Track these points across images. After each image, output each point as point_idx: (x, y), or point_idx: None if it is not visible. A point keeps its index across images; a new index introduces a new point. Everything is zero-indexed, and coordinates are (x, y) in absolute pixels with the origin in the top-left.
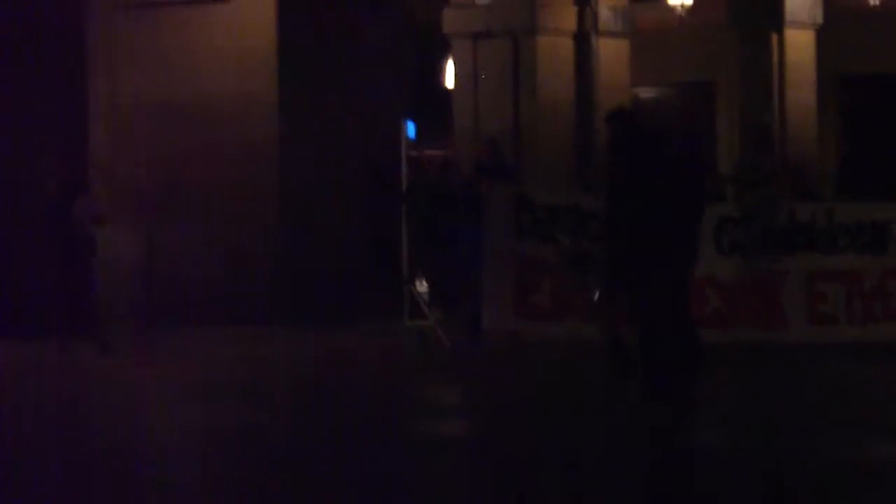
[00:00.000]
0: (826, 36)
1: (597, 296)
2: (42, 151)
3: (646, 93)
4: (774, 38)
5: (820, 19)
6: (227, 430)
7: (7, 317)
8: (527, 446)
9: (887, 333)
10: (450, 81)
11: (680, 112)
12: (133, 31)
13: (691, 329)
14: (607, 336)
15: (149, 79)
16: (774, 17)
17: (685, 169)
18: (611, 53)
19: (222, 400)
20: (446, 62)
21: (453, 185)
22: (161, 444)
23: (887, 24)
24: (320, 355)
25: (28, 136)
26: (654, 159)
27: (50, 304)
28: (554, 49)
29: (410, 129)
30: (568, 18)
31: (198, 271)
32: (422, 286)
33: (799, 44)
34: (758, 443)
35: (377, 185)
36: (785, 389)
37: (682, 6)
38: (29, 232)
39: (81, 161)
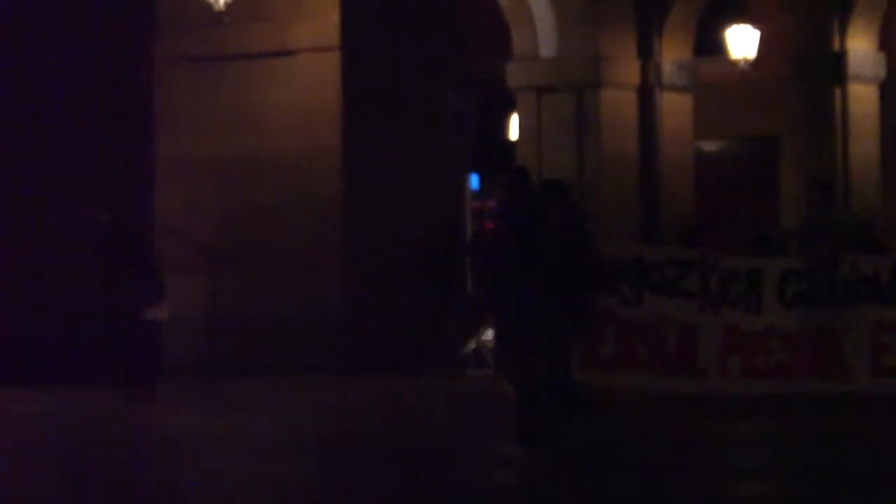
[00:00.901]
0: (889, 90)
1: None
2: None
3: (709, 146)
4: (838, 92)
5: (883, 74)
6: (287, 480)
7: (60, 365)
8: (590, 495)
9: None
10: (514, 134)
11: (744, 165)
12: (198, 86)
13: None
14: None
15: (214, 133)
16: (838, 71)
17: (567, 237)
18: (674, 107)
19: (285, 450)
20: (510, 116)
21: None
22: (221, 491)
23: None
24: (386, 405)
25: (94, 193)
26: (536, 225)
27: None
28: (617, 102)
29: (474, 181)
30: (632, 72)
31: (265, 324)
32: (486, 336)
33: (862, 97)
34: (811, 490)
35: (442, 237)
36: (843, 439)
37: (745, 60)
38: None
39: (149, 217)
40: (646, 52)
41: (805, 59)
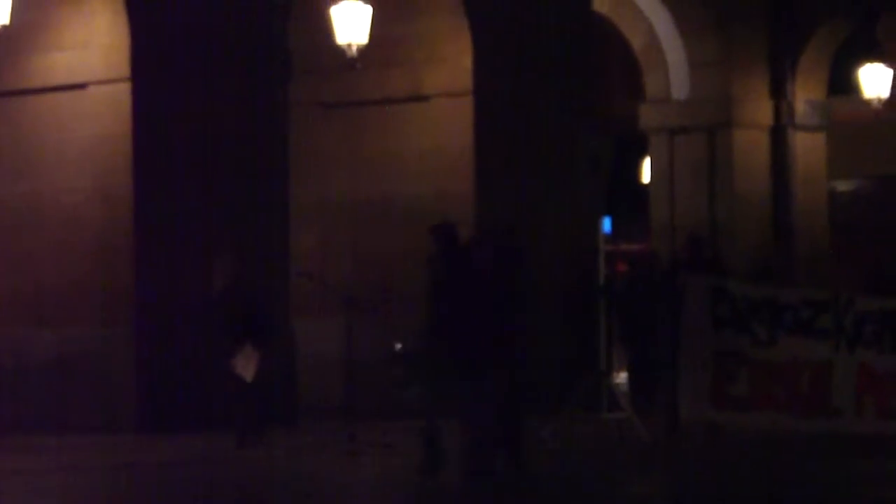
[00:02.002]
0: None
1: (416, 393)
2: (243, 253)
3: (843, 186)
4: None
5: None
6: None
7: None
8: None
9: None
10: (646, 176)
11: (877, 205)
12: (332, 132)
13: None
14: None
15: (348, 178)
16: None
17: (496, 270)
18: (807, 146)
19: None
20: (643, 158)
21: (650, 278)
22: None
23: None
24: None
25: (230, 239)
26: (463, 269)
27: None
28: (750, 143)
29: (607, 223)
30: (764, 112)
31: (379, 364)
32: (619, 378)
33: None
34: None
35: (576, 280)
36: None
37: (879, 100)
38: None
39: (284, 262)
40: (779, 92)
41: None
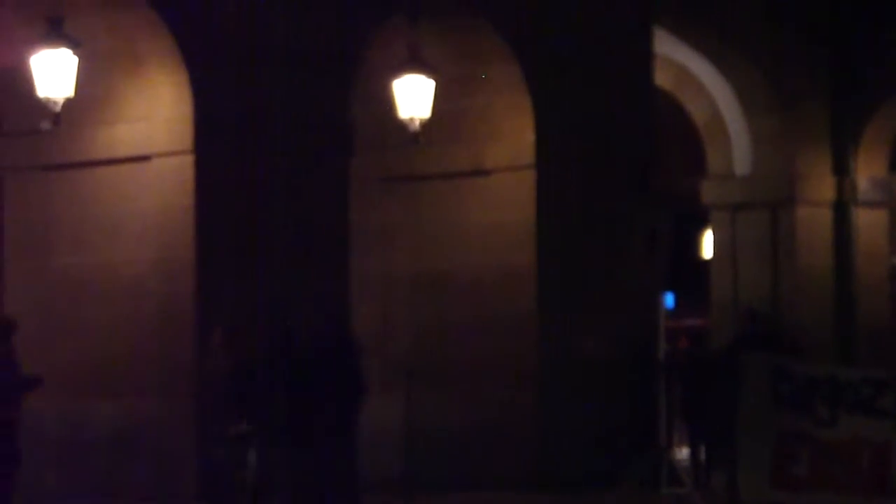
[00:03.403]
0: None
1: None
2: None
3: None
4: None
5: None
6: None
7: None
8: None
9: None
10: (707, 252)
11: None
12: (394, 205)
13: None
14: None
15: (409, 252)
16: None
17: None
18: (870, 223)
19: None
20: (704, 233)
21: (711, 354)
22: None
23: None
24: None
25: (290, 313)
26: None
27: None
28: (813, 219)
29: (669, 299)
30: (827, 189)
31: (459, 440)
32: (680, 454)
33: None
34: None
35: (636, 354)
36: None
37: None
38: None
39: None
40: (841, 169)
41: None
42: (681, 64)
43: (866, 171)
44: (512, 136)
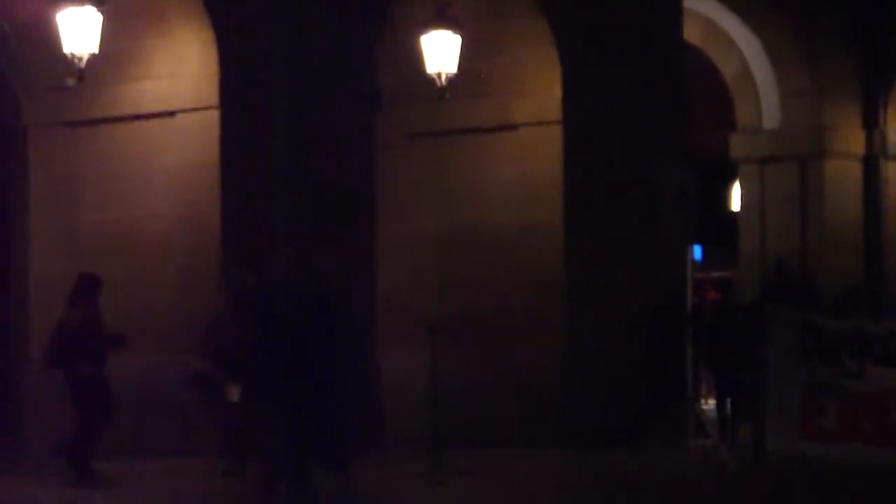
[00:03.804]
0: None
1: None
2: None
3: None
4: None
5: None
6: None
7: None
8: None
9: None
10: (735, 205)
11: None
12: (420, 161)
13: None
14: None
15: (436, 208)
16: None
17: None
18: None
19: None
20: (732, 186)
21: (739, 307)
22: None
23: None
24: (604, 477)
25: (315, 268)
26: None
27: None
28: (842, 172)
29: (697, 252)
30: (856, 142)
31: (484, 396)
32: (706, 406)
33: None
34: None
35: (663, 308)
36: None
37: None
38: None
39: (371, 292)
40: (870, 122)
41: None
42: (709, 18)
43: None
44: (539, 91)
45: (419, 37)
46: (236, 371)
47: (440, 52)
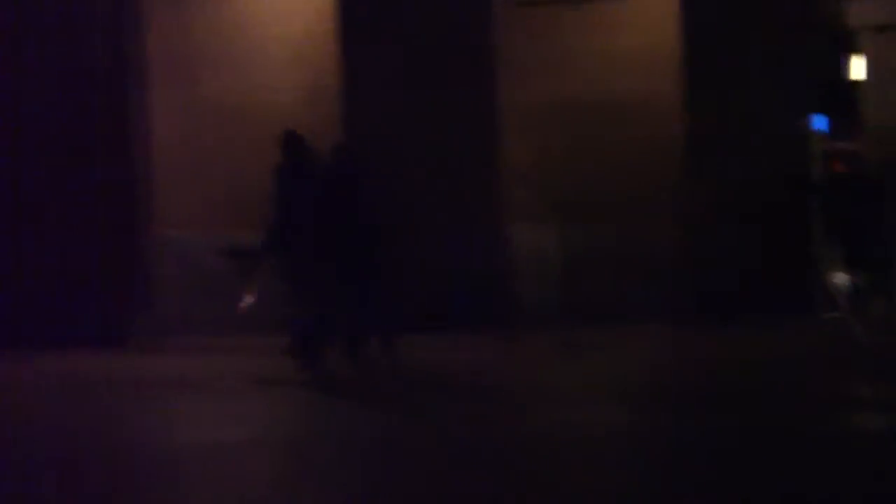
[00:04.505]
0: None
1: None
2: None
3: None
4: None
5: None
6: (635, 431)
7: None
8: None
9: None
10: (861, 74)
11: None
12: (540, 32)
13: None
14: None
15: (557, 79)
16: None
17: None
18: None
19: (635, 400)
20: (857, 55)
21: (866, 177)
22: (565, 442)
23: None
24: (735, 351)
25: (441, 143)
26: (309, 177)
27: None
28: None
29: (822, 122)
30: None
31: (606, 269)
32: (837, 279)
33: None
34: None
35: (789, 180)
36: None
37: None
38: None
39: (493, 165)
40: None
41: None
42: None
43: None
44: None
45: None
46: (274, 242)
47: None
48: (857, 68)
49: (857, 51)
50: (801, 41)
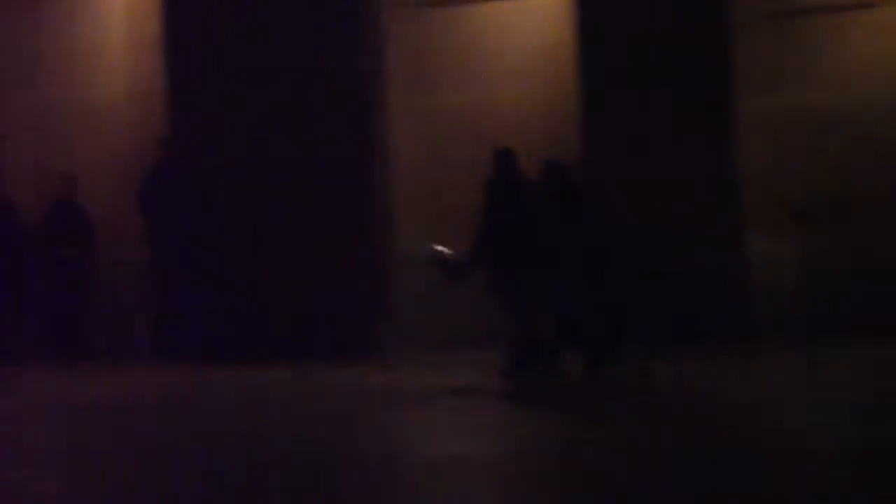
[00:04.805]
0: None
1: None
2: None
3: None
4: None
5: None
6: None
7: None
8: None
9: None
10: None
11: None
12: (779, 42)
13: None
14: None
15: (798, 86)
16: None
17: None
18: None
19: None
20: None
21: None
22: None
23: None
24: None
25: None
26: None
27: None
28: None
29: None
30: None
31: (852, 282)
32: None
33: None
34: None
35: None
36: None
37: None
38: None
39: (732, 174)
40: None
41: None
42: None
43: None
44: None
45: None
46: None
47: None
48: None
49: None
50: None
